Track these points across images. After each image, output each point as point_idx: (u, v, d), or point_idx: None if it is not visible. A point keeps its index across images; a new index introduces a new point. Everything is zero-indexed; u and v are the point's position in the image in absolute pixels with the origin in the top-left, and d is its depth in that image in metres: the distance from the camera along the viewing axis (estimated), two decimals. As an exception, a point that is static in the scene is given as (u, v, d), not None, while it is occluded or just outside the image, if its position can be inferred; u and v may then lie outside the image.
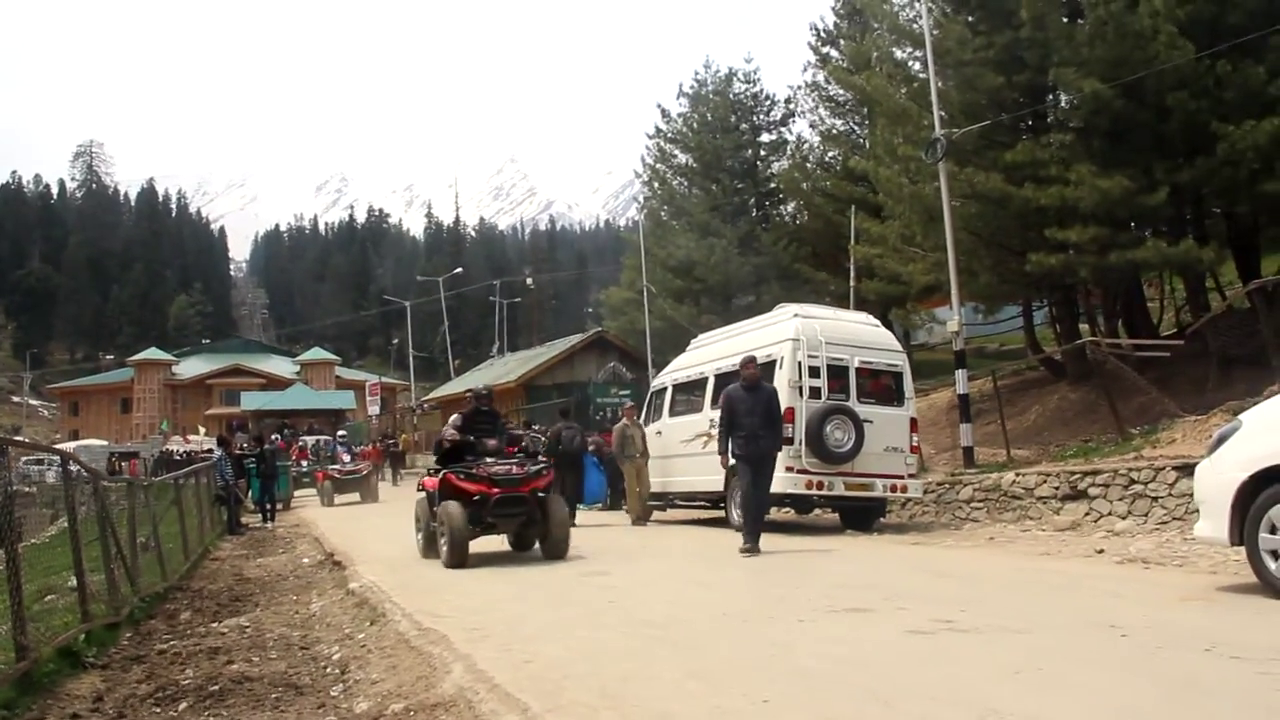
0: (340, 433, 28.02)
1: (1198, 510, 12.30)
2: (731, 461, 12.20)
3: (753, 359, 12.47)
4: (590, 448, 23.15)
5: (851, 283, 30.37)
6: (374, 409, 57.10)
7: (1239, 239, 21.67)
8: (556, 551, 11.81)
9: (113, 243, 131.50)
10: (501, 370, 56.75)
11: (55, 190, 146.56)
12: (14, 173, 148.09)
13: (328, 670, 6.86)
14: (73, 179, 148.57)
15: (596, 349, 50.15)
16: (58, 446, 8.58)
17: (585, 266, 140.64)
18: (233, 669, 7.06)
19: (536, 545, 12.25)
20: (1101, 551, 10.86)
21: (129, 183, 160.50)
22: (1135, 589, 8.25)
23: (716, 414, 16.12)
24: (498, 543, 12.79)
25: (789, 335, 14.83)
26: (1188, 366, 19.88)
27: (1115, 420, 17.39)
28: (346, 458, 27.71)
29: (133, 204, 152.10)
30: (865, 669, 5.34)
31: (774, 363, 14.91)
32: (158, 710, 6.06)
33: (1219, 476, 7.59)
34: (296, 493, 31.33)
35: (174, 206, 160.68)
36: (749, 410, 11.81)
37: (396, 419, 62.91)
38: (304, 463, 34.56)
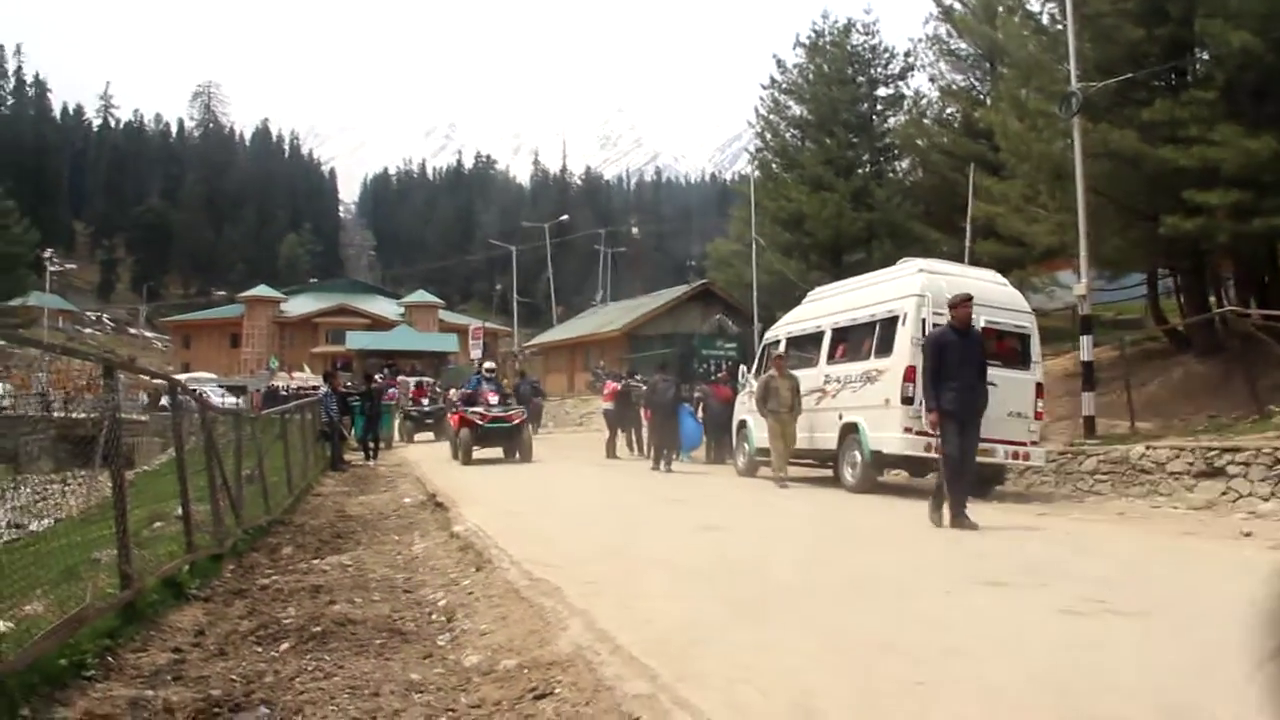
0: (488, 365, 24.27)
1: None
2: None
3: (968, 296, 10.82)
4: (696, 397, 22.90)
5: (967, 242, 29.47)
6: (476, 353, 57.22)
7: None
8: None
9: (227, 182, 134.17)
10: (605, 319, 56.63)
11: (174, 129, 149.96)
12: (136, 111, 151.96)
13: (433, 617, 6.56)
14: (191, 118, 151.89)
15: (701, 301, 49.68)
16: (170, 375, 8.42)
17: (690, 219, 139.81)
18: (335, 609, 6.80)
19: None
20: (1250, 535, 10.14)
21: (244, 124, 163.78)
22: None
23: (832, 369, 15.74)
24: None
25: (914, 290, 14.19)
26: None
27: (1253, 395, 16.44)
28: (493, 398, 21.14)
29: (247, 144, 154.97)
30: (1024, 652, 4.86)
31: (896, 319, 14.32)
32: (259, 649, 5.80)
33: None
34: (416, 436, 31.64)
35: (287, 148, 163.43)
36: (962, 358, 10.32)
37: (500, 363, 63.16)
38: (424, 400, 33.97)
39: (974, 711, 3.89)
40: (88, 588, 5.55)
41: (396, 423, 31.68)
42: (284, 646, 5.82)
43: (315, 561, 9.24)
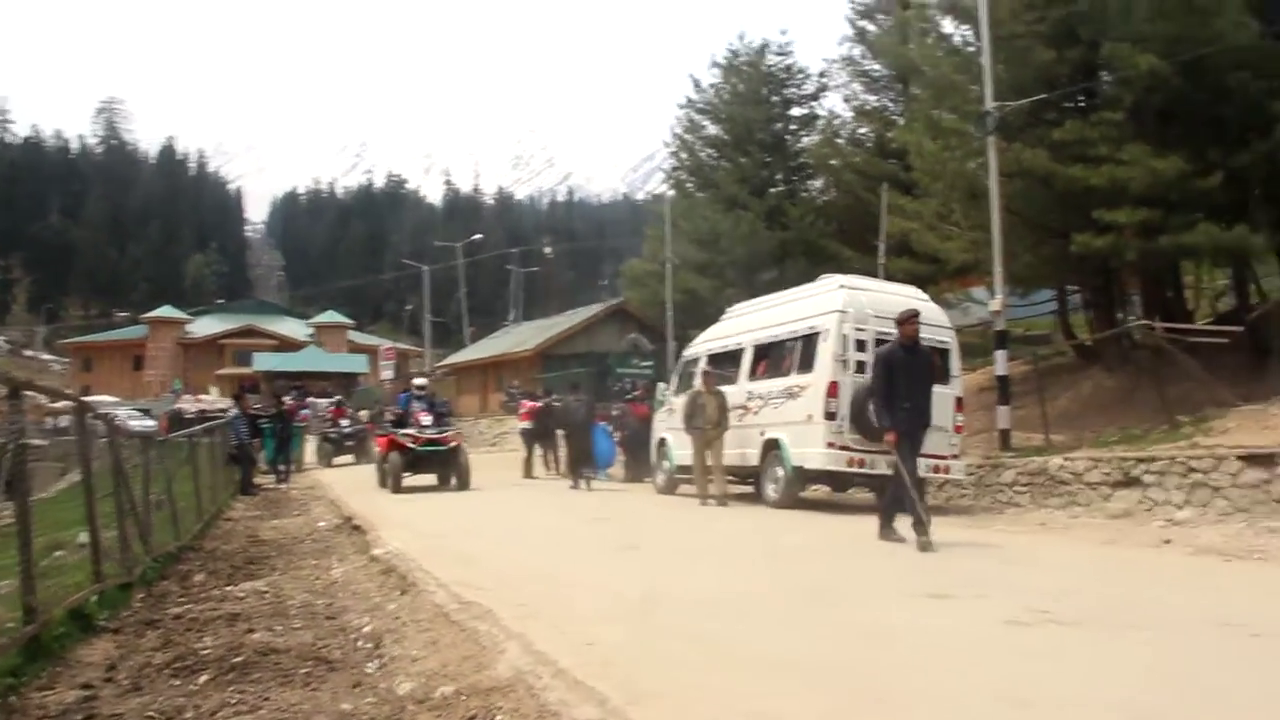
0: (418, 382, 21.34)
1: (1265, 502, 11.93)
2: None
3: (915, 313, 10.60)
4: (615, 415, 22.81)
5: (880, 260, 29.73)
6: (387, 374, 56.65)
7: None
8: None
9: (131, 200, 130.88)
10: (518, 339, 56.20)
11: (76, 146, 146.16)
12: (34, 127, 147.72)
13: (359, 644, 6.29)
14: (93, 135, 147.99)
15: (616, 320, 49.54)
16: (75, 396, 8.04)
17: (603, 238, 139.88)
18: (255, 638, 6.51)
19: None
20: (1169, 542, 10.28)
21: (149, 141, 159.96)
22: (1227, 582, 7.67)
23: (753, 386, 15.68)
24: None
25: (836, 306, 14.21)
26: (1225, 357, 19.14)
27: (1162, 407, 16.73)
28: (426, 418, 18.58)
29: (152, 162, 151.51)
30: (980, 665, 4.77)
31: (817, 335, 14.33)
32: (176, 682, 5.49)
33: None
34: (335, 459, 29.73)
35: (193, 166, 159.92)
36: (910, 375, 10.15)
37: (409, 384, 62.41)
38: (343, 421, 31.46)
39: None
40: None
41: (313, 446, 30.82)
42: (203, 679, 5.51)
43: (230, 588, 8.88)
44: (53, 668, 5.63)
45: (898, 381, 10.06)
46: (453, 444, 18.80)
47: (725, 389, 16.48)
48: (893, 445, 10.04)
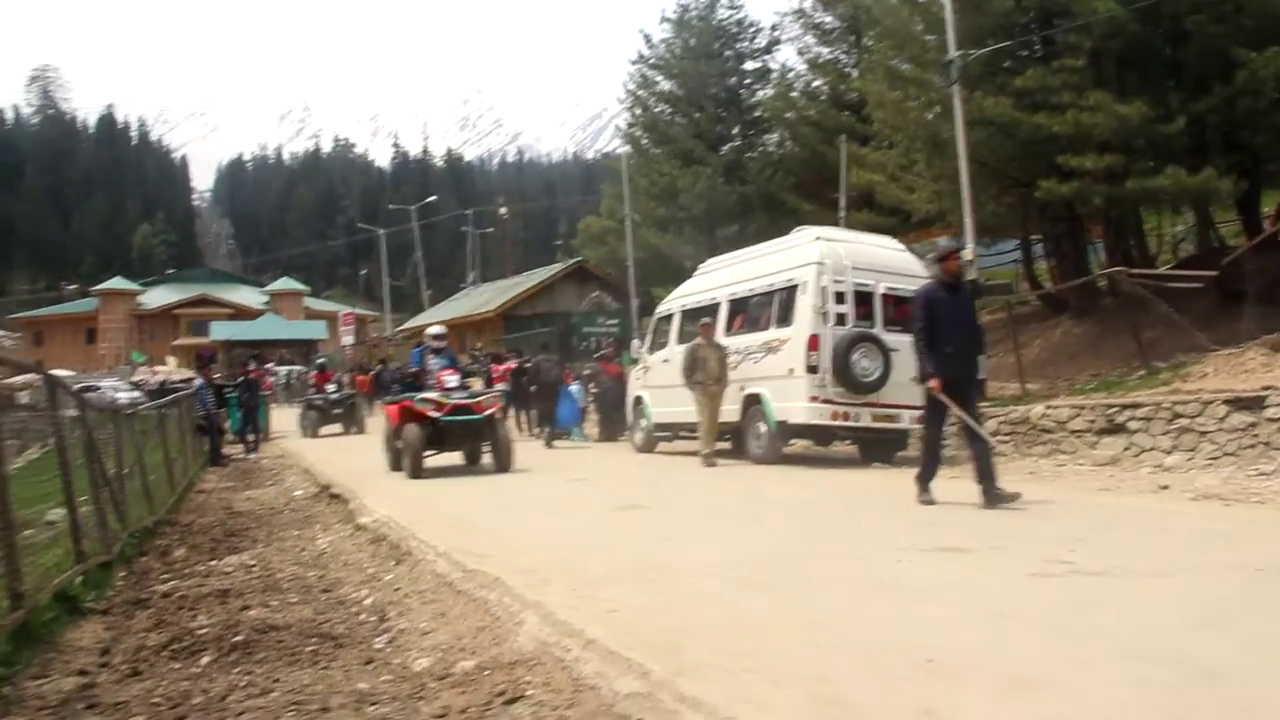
0: (433, 331, 15.89)
1: (1254, 445, 11.93)
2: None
3: (958, 247, 9.78)
4: (586, 374, 22.62)
5: (841, 213, 29.60)
6: (348, 339, 56.02)
7: (1245, 171, 21.01)
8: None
9: (72, 171, 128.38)
10: (479, 300, 55.81)
11: (10, 117, 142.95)
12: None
13: (361, 617, 6.06)
14: (28, 104, 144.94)
15: (576, 278, 49.32)
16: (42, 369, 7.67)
17: (555, 197, 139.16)
18: (251, 615, 6.27)
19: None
20: (1166, 488, 10.22)
21: (88, 110, 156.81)
22: (1236, 527, 7.59)
23: (730, 341, 15.47)
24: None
25: (813, 259, 14.01)
26: (1193, 302, 19.17)
27: (1140, 353, 16.74)
28: (450, 378, 14.50)
29: (92, 131, 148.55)
30: (1020, 620, 4.61)
31: (796, 287, 14.14)
32: (176, 665, 5.23)
33: None
34: (322, 429, 26.81)
35: (134, 135, 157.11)
36: (954, 317, 9.21)
37: (370, 349, 61.80)
38: (329, 386, 27.75)
39: (999, 692, 3.60)
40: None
41: (298, 415, 28.57)
42: (205, 660, 5.26)
43: (214, 563, 8.62)
44: (44, 654, 5.37)
45: (941, 323, 9.09)
46: (488, 411, 14.34)
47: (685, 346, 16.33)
48: (936, 393, 9.03)
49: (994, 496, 8.72)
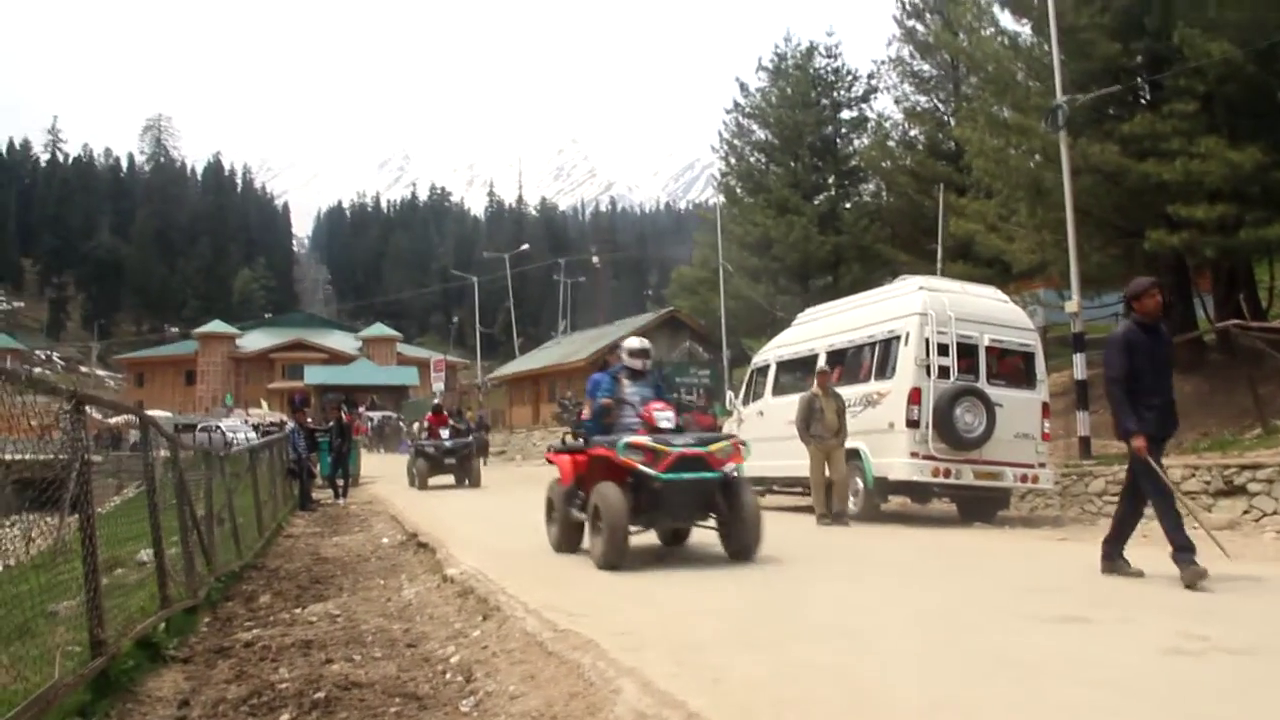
0: (633, 344, 10.58)
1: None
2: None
3: (1154, 282, 8.25)
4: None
5: (938, 264, 29.12)
6: (439, 385, 56.40)
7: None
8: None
9: (179, 216, 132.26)
10: (569, 349, 55.91)
11: (125, 163, 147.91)
12: (85, 145, 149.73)
13: (447, 677, 5.77)
14: (141, 152, 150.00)
15: (667, 328, 49.18)
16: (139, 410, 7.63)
17: (646, 248, 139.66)
18: (334, 669, 6.03)
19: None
20: (1293, 556, 9.60)
21: (196, 158, 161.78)
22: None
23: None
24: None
25: (916, 309, 13.62)
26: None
27: (1256, 410, 16.00)
28: (665, 415, 9.66)
29: (199, 178, 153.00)
30: (1160, 705, 4.18)
31: (898, 338, 13.75)
32: (255, 721, 5.04)
33: None
34: (433, 480, 23.82)
35: (239, 181, 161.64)
36: (1155, 363, 7.91)
37: (460, 396, 62.21)
38: (444, 432, 24.28)
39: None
40: (55, 658, 4.75)
41: (407, 462, 25.88)
42: (284, 718, 5.04)
43: (298, 611, 8.44)
44: (122, 704, 5.20)
45: (1141, 370, 7.83)
46: (727, 467, 9.28)
47: (795, 397, 15.91)
48: (1140, 454, 7.78)
49: (1190, 568, 7.54)
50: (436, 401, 28.17)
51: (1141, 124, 19.34)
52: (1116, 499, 14.09)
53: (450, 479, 24.32)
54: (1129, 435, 7.83)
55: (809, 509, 16.27)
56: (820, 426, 13.46)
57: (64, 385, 5.30)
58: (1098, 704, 4.17)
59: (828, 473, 13.57)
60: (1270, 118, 19.63)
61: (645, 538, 9.93)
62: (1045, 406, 14.29)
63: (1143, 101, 21.34)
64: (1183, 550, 7.63)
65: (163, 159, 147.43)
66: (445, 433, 24.33)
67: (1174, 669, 4.85)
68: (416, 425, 33.56)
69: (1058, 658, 5.07)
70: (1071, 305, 18.59)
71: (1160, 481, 7.94)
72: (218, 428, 41.54)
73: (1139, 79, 21.14)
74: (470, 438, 25.57)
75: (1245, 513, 12.40)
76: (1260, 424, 15.67)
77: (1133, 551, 8.42)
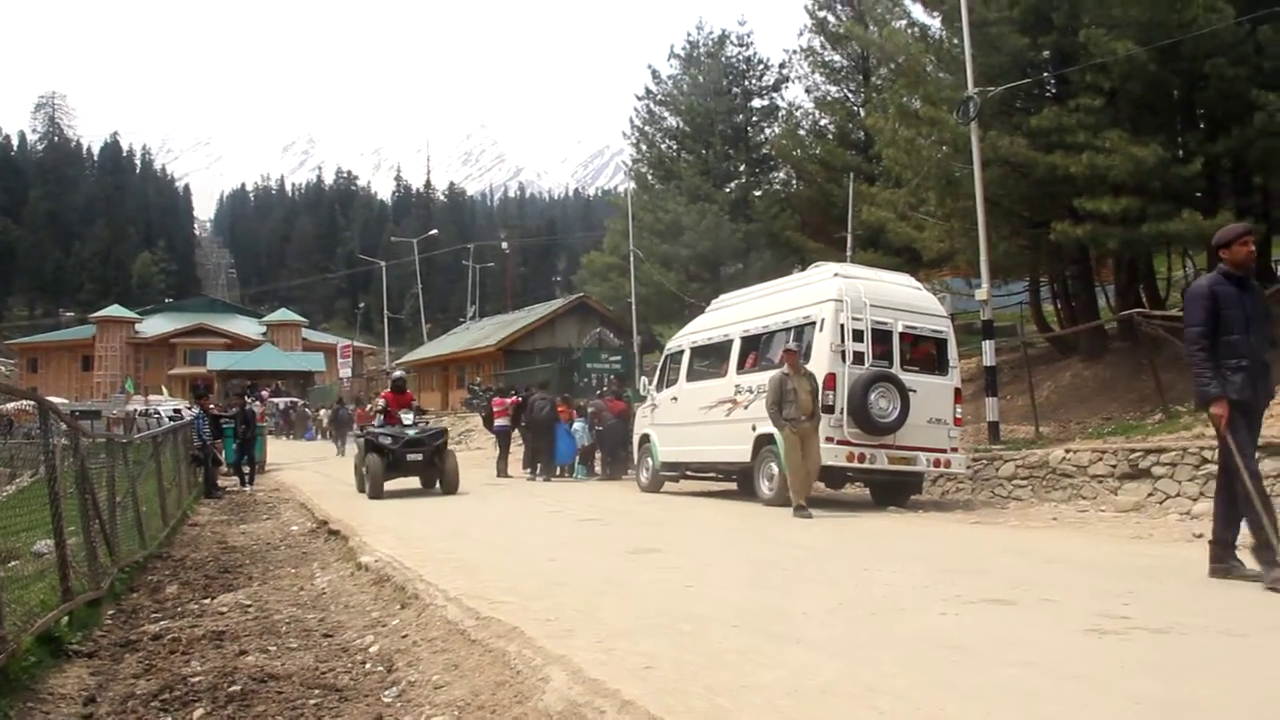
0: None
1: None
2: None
3: (1246, 229, 7.19)
4: (590, 411, 22.26)
5: (847, 252, 29.39)
6: (345, 371, 55.64)
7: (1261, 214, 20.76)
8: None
9: (74, 197, 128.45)
10: (479, 335, 55.50)
11: (15, 142, 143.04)
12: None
13: (368, 667, 5.62)
14: (34, 131, 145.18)
15: (578, 314, 49.08)
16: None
17: (555, 234, 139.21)
18: (248, 661, 5.84)
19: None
20: (1201, 536, 9.78)
21: (92, 137, 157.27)
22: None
23: (742, 379, 15.09)
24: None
25: (831, 295, 13.65)
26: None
27: (1159, 396, 16.38)
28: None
29: (96, 159, 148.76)
30: (1093, 682, 4.19)
31: (812, 324, 13.78)
32: (167, 718, 4.83)
33: None
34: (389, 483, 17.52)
35: (138, 162, 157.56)
36: (1245, 318, 6.82)
37: (368, 382, 61.42)
38: (406, 417, 17.94)
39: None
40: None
41: (354, 459, 20.09)
42: (198, 713, 4.84)
43: (207, 601, 8.18)
44: (22, 703, 4.94)
45: (1229, 326, 6.77)
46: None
47: (712, 382, 15.91)
48: (1221, 424, 6.72)
49: (1229, 566, 6.90)
50: (398, 374, 20.51)
51: (1049, 117, 19.60)
52: (1026, 483, 14.47)
53: (413, 480, 18.24)
54: (1208, 401, 6.78)
55: (721, 494, 16.37)
56: (793, 409, 12.65)
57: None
58: (1029, 685, 4.18)
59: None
60: (1171, 114, 20.10)
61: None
62: (958, 392, 14.44)
63: (1050, 96, 21.66)
64: (1265, 547, 6.55)
65: (56, 138, 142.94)
66: (408, 417, 18.01)
67: (1098, 648, 4.89)
68: (351, 409, 32.69)
69: (986, 639, 5.08)
70: (981, 293, 18.84)
71: (1246, 450, 6.70)
72: (156, 412, 40.56)
73: (1046, 73, 21.44)
74: (441, 424, 21.36)
75: (1150, 495, 12.66)
76: (1162, 409, 16.02)
77: (1051, 533, 8.53)
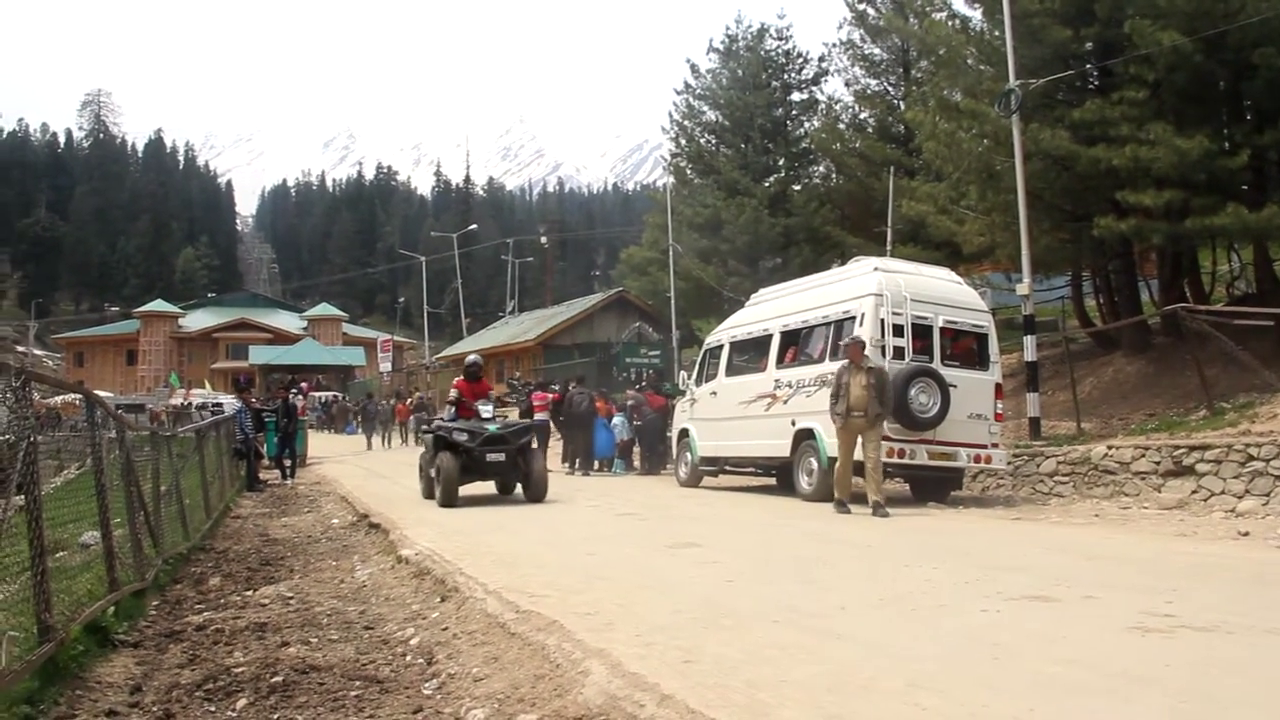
0: None
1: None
2: None
3: None
4: (630, 405, 22.28)
5: (887, 246, 29.18)
6: (385, 366, 55.89)
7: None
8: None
9: (119, 193, 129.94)
10: (518, 329, 55.60)
11: (62, 139, 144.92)
12: (21, 120, 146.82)
13: (408, 659, 5.66)
14: (80, 128, 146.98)
15: (617, 309, 49.05)
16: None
17: (594, 228, 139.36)
18: (290, 653, 5.89)
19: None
20: (1247, 534, 9.69)
21: (136, 134, 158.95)
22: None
23: (782, 374, 15.05)
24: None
25: (871, 290, 13.57)
26: (1249, 341, 18.42)
27: (1204, 392, 16.16)
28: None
29: (140, 155, 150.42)
30: (1137, 680, 4.15)
31: (852, 319, 13.71)
32: (211, 708, 4.87)
33: None
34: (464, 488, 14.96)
35: (181, 159, 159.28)
36: None
37: (408, 376, 61.74)
38: (484, 409, 14.92)
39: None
40: (1, 644, 4.57)
41: (420, 459, 16.89)
42: (240, 703, 4.90)
43: (249, 593, 8.27)
44: (71, 691, 5.02)
45: None
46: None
47: (752, 377, 15.86)
48: None
49: None
50: (473, 359, 16.70)
51: (1092, 110, 19.37)
52: (1068, 479, 14.33)
53: (489, 486, 15.71)
54: None
55: (760, 489, 16.34)
56: (844, 403, 12.20)
57: (13, 363, 5.10)
58: (1072, 682, 4.14)
59: (858, 454, 12.46)
60: (1216, 106, 19.81)
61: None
62: (998, 387, 14.33)
63: (1093, 88, 21.42)
64: None
65: (102, 135, 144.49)
66: (487, 410, 15.01)
67: (1142, 646, 4.84)
68: (391, 403, 32.85)
69: (1028, 636, 5.05)
70: (1022, 288, 18.67)
71: None
72: (219, 404, 40.89)
73: (1089, 65, 21.20)
74: (529, 420, 19.90)
75: (1194, 493, 12.50)
76: (1207, 406, 15.81)
77: (1093, 530, 8.46)
